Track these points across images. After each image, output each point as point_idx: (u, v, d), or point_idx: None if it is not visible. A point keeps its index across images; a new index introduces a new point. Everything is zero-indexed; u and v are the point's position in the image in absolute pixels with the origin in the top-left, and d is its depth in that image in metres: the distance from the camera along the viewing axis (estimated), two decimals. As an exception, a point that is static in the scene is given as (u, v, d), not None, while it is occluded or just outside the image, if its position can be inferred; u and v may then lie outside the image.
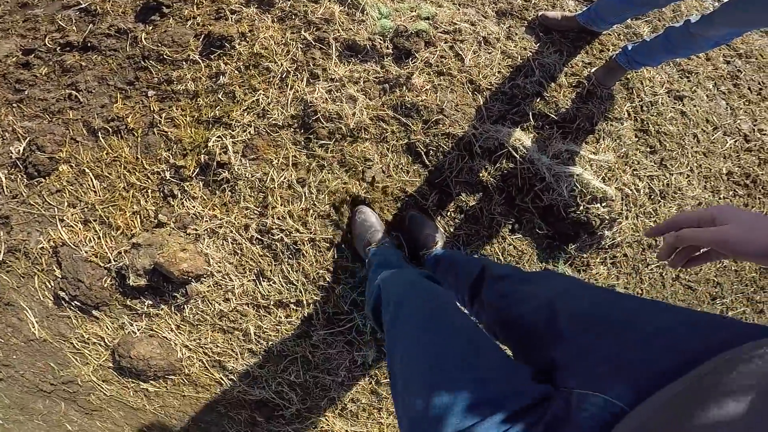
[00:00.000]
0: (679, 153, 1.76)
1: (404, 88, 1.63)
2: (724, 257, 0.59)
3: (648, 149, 1.74)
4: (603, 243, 1.72)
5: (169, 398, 1.66)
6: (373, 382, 1.71)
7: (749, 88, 1.88)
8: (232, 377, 1.67)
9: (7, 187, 1.61)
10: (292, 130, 1.65)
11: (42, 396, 1.64)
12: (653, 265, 1.75)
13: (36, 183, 1.61)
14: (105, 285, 1.62)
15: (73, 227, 1.64)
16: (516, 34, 1.71)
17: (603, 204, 1.66)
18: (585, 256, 1.73)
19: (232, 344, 1.66)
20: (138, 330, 1.63)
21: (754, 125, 1.87)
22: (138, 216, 1.66)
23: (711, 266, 1.83)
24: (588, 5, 1.73)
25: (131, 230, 1.66)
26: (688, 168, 1.77)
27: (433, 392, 0.63)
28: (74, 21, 1.58)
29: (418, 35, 1.60)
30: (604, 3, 1.55)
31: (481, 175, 1.66)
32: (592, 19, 1.63)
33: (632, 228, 1.72)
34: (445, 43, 1.63)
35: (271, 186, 1.63)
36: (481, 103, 1.66)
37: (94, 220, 1.64)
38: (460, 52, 1.64)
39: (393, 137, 1.65)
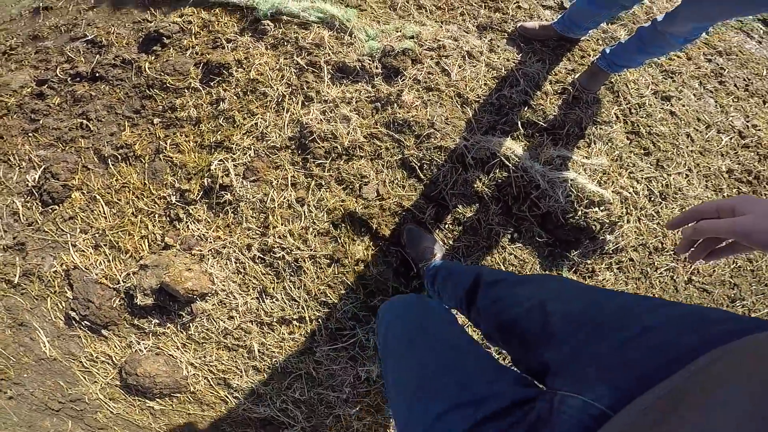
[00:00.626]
0: (675, 153, 1.72)
1: (395, 105, 1.65)
2: (748, 249, 0.56)
3: (642, 151, 1.70)
4: (606, 248, 1.67)
5: (175, 416, 1.65)
6: (378, 399, 1.66)
7: (735, 85, 1.84)
8: (237, 395, 1.65)
9: (23, 215, 1.68)
10: (290, 151, 1.68)
11: (50, 414, 1.65)
12: (662, 269, 1.68)
13: (50, 210, 1.67)
14: (114, 305, 1.65)
15: (84, 252, 1.68)
16: (498, 46, 1.73)
17: (601, 208, 1.62)
18: (589, 262, 1.68)
19: (236, 361, 1.65)
20: (145, 348, 1.64)
21: (747, 121, 1.82)
22: (146, 240, 1.70)
23: (725, 267, 1.74)
24: (563, 13, 1.74)
25: (139, 253, 1.69)
26: (686, 168, 1.72)
27: (416, 397, 0.67)
28: (82, 52, 1.67)
29: (405, 53, 1.63)
30: (576, 9, 1.57)
31: (475, 185, 1.65)
32: (568, 26, 1.65)
33: (635, 231, 1.67)
34: (431, 59, 1.66)
35: (272, 206, 1.65)
36: (470, 115, 1.67)
37: (105, 245, 1.69)
38: (446, 67, 1.67)
39: (387, 153, 1.67)
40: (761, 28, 2.03)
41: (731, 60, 1.89)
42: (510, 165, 1.62)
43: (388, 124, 1.66)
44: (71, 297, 1.67)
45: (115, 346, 1.67)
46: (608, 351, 0.55)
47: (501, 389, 0.62)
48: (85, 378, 1.69)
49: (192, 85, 1.65)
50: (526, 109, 1.66)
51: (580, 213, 1.61)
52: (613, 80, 1.71)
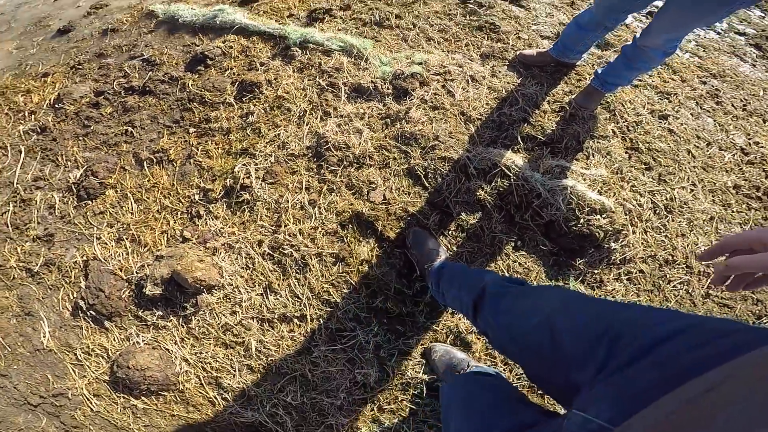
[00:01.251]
0: (676, 168, 1.71)
1: (403, 121, 1.77)
2: None
3: (643, 166, 1.70)
4: (613, 257, 1.59)
5: (157, 417, 1.51)
6: (375, 409, 1.50)
7: (733, 105, 1.88)
8: (227, 396, 1.52)
9: (58, 209, 1.78)
10: (307, 158, 1.79)
11: (26, 410, 1.52)
12: (676, 282, 1.57)
13: (83, 205, 1.77)
14: (123, 296, 1.64)
15: (107, 244, 1.73)
16: (499, 71, 1.87)
17: (603, 215, 1.59)
18: (596, 271, 1.60)
19: (231, 360, 1.56)
20: (143, 341, 1.59)
21: (749, 139, 1.82)
22: (166, 234, 1.74)
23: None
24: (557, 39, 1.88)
25: (158, 247, 1.73)
26: (690, 182, 1.69)
27: None
28: (137, 69, 1.92)
29: (414, 77, 1.80)
30: (567, 34, 1.73)
31: (478, 194, 1.67)
32: (562, 51, 1.79)
33: (642, 243, 1.61)
34: (438, 82, 1.81)
35: (286, 206, 1.70)
36: (473, 130, 1.76)
37: (127, 238, 1.74)
38: (451, 89, 1.81)
39: (394, 163, 1.74)
40: (754, 52, 2.14)
41: (726, 82, 1.96)
42: (511, 174, 1.66)
43: (396, 137, 1.77)
44: (84, 286, 1.68)
45: (114, 339, 1.62)
46: (617, 367, 0.55)
47: (510, 418, 0.73)
48: (74, 371, 1.60)
49: (227, 100, 1.85)
50: (525, 125, 1.75)
51: (582, 221, 1.58)
52: (609, 100, 1.80)
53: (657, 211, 1.66)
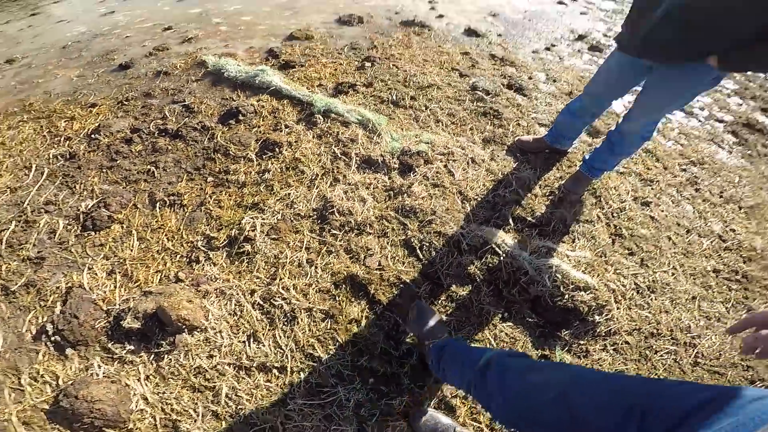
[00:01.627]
0: (658, 254, 1.82)
1: (405, 194, 1.90)
2: None
3: (626, 251, 1.81)
4: (598, 330, 1.60)
5: (82, 462, 1.31)
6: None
7: (710, 192, 2.04)
8: (181, 445, 1.35)
9: (59, 235, 1.78)
10: (311, 219, 1.87)
11: None
12: (663, 352, 1.58)
13: (86, 235, 1.77)
14: (97, 325, 1.55)
15: (96, 274, 1.70)
16: (498, 156, 2.07)
17: (587, 292, 1.65)
18: (582, 342, 1.59)
19: (197, 404, 1.41)
20: (103, 373, 1.45)
21: (726, 226, 1.95)
22: (160, 274, 1.72)
23: (732, 351, 1.63)
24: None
25: (148, 285, 1.70)
26: (671, 267, 1.79)
27: None
28: (176, 113, 2.09)
29: (419, 155, 2.00)
30: (559, 120, 1.94)
31: (469, 268, 1.73)
32: (555, 138, 1.99)
33: (627, 318, 1.64)
34: (441, 162, 2.01)
35: (284, 262, 1.73)
36: (468, 209, 1.89)
37: (119, 272, 1.70)
38: (452, 170, 1.99)
39: (393, 233, 1.82)
40: (731, 139, 2.35)
41: (705, 169, 2.15)
42: (501, 252, 1.75)
43: (397, 209, 1.89)
44: (59, 311, 1.60)
45: (71, 368, 1.46)
46: None
47: None
48: (11, 396, 1.41)
49: (249, 155, 2.00)
50: (517, 206, 1.89)
51: (567, 296, 1.63)
52: (595, 186, 1.98)
53: (640, 291, 1.73)
